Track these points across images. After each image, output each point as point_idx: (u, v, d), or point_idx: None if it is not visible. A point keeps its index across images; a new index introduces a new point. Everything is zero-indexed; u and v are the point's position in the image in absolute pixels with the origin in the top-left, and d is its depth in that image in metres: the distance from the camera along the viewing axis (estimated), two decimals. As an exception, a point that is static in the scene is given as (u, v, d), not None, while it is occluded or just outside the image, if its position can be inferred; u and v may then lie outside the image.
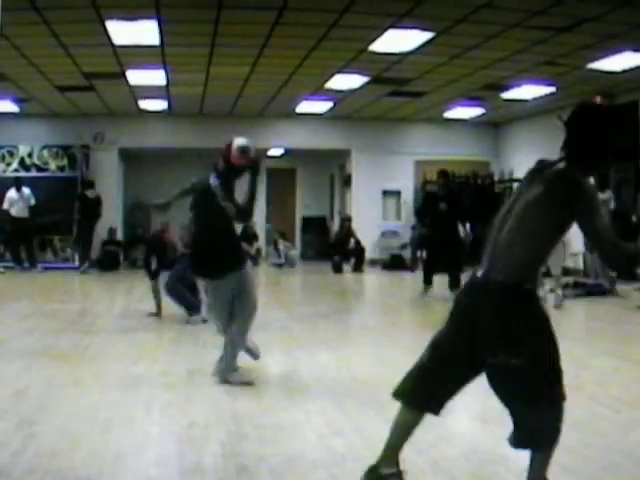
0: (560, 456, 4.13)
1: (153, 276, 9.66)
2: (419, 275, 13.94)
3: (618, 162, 14.79)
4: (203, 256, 6.15)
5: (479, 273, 3.39)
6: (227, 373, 6.04)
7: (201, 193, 6.07)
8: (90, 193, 17.59)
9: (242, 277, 6.06)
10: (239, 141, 5.96)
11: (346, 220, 19.47)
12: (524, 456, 3.91)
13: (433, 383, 3.53)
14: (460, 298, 3.54)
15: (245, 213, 6.10)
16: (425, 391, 3.54)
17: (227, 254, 6.06)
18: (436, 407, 3.56)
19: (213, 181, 5.96)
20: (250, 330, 6.27)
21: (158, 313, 9.69)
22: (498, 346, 3.29)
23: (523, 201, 3.35)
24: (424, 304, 11.86)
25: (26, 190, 17.10)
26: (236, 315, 6.08)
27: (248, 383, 6.03)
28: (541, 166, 3.45)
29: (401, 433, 3.57)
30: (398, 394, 3.61)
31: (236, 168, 5.97)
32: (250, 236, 19.66)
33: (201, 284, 7.03)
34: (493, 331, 3.30)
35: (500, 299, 3.28)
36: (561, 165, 3.38)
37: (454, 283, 12.20)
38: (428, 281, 12.52)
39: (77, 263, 17.41)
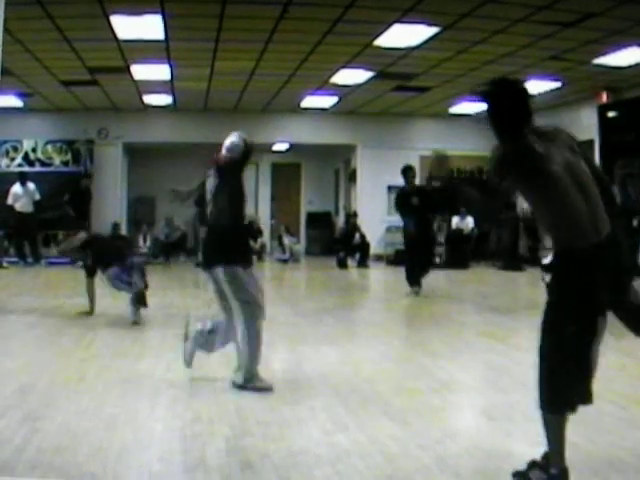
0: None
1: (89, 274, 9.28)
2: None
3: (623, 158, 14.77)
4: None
5: (582, 241, 3.49)
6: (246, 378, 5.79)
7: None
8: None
9: (223, 275, 5.71)
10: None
11: (352, 216, 19.44)
12: (529, 452, 3.90)
13: (575, 380, 3.60)
14: (578, 271, 3.56)
15: None
16: (575, 390, 3.63)
17: (225, 243, 5.83)
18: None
19: None
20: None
21: (91, 312, 9.36)
22: (622, 291, 3.62)
23: (578, 166, 3.59)
24: (428, 300, 11.82)
25: (31, 185, 17.10)
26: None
27: (267, 389, 5.72)
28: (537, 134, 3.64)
29: (563, 434, 3.65)
30: (561, 407, 3.63)
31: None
32: (254, 232, 19.68)
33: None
34: (619, 280, 3.60)
35: (617, 250, 3.58)
36: (551, 127, 3.78)
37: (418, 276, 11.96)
38: (413, 281, 11.99)
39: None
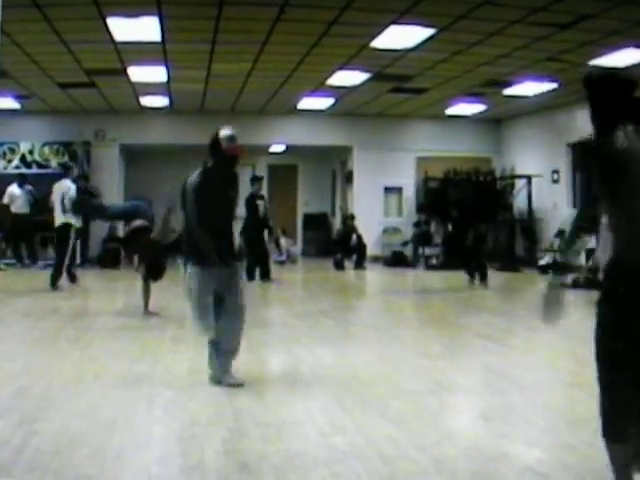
0: (561, 454, 4.14)
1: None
2: (420, 272, 13.97)
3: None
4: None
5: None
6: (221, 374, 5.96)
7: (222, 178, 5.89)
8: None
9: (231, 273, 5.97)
10: (224, 132, 5.79)
11: (349, 218, 19.42)
12: (525, 454, 3.91)
13: (632, 409, 3.29)
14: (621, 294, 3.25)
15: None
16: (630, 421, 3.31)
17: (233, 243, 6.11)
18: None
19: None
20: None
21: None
22: None
23: None
24: (425, 301, 11.84)
25: (29, 187, 17.02)
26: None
27: (239, 385, 5.89)
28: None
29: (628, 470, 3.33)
30: (616, 438, 3.32)
31: (231, 159, 5.85)
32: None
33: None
34: None
35: None
36: None
37: None
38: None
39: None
